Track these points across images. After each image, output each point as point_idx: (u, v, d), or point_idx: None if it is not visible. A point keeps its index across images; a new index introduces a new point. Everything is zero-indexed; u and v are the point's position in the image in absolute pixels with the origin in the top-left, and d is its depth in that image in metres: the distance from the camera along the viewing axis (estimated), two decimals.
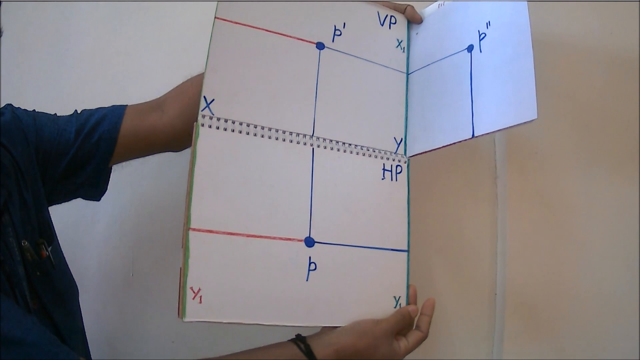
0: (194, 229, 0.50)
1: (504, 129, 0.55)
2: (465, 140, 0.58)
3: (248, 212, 0.54)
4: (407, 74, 0.67)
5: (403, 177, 0.63)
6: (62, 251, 0.59)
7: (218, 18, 0.57)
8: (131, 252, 0.79)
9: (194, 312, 0.48)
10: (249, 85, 0.57)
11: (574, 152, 0.81)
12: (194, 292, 0.49)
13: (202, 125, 0.54)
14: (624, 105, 0.80)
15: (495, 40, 0.59)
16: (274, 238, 0.54)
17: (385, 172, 0.62)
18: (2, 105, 0.58)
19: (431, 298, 0.59)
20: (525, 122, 0.53)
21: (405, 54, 0.67)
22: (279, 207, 0.55)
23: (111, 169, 0.63)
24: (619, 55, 0.80)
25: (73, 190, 0.62)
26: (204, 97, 0.54)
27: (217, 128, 0.54)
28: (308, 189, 0.57)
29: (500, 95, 0.57)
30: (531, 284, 0.79)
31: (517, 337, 0.78)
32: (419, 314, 0.59)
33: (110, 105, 0.63)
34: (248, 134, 0.56)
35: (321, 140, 0.59)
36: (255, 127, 0.56)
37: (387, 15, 0.66)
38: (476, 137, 0.58)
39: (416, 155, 0.64)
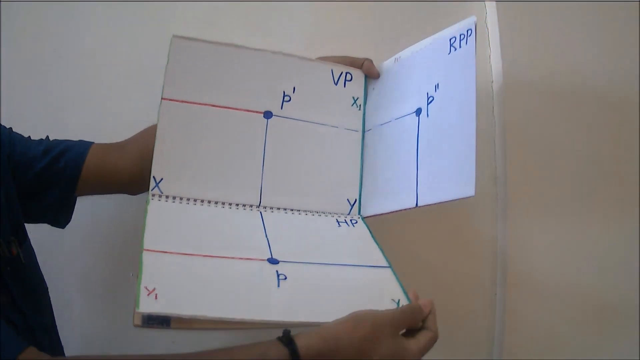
0: (148, 250, 0.48)
1: (443, 202, 0.53)
2: (410, 209, 0.57)
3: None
4: (364, 131, 0.65)
5: (360, 224, 0.61)
6: (34, 252, 0.61)
7: (165, 99, 0.58)
8: (131, 252, 0.79)
9: (148, 305, 0.42)
10: (196, 162, 0.59)
11: (574, 152, 0.81)
12: (148, 290, 0.43)
13: (152, 201, 0.56)
14: (624, 107, 0.80)
15: (441, 106, 0.56)
16: (234, 258, 0.51)
17: (341, 223, 0.61)
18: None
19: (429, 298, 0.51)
20: (462, 198, 0.51)
21: (362, 111, 0.65)
22: (235, 248, 0.52)
23: (76, 199, 0.66)
24: (617, 86, 0.81)
25: (41, 212, 0.63)
26: (154, 177, 0.57)
27: (167, 201, 0.57)
28: (264, 240, 0.55)
29: (441, 167, 0.55)
30: (531, 284, 0.79)
31: (517, 337, 0.78)
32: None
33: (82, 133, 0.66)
34: (195, 204, 0.58)
35: (268, 209, 0.60)
36: (202, 202, 0.58)
37: (341, 73, 0.64)
38: (420, 207, 0.56)
39: (369, 217, 0.62)
